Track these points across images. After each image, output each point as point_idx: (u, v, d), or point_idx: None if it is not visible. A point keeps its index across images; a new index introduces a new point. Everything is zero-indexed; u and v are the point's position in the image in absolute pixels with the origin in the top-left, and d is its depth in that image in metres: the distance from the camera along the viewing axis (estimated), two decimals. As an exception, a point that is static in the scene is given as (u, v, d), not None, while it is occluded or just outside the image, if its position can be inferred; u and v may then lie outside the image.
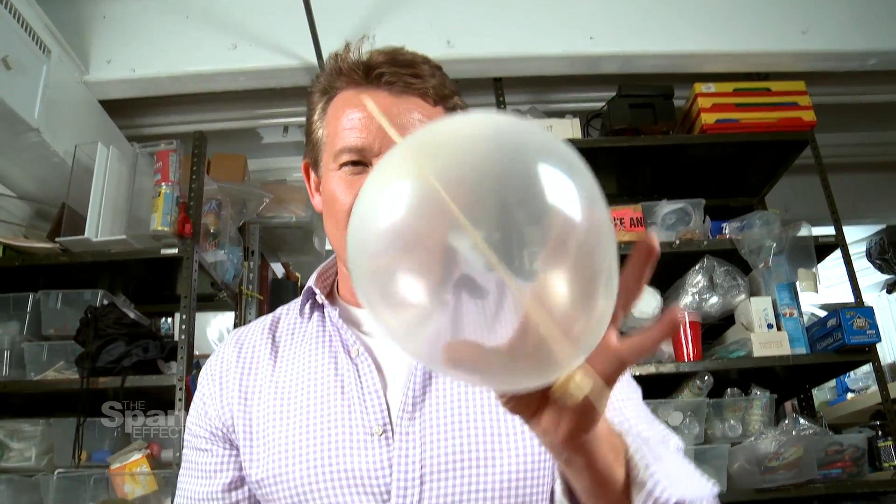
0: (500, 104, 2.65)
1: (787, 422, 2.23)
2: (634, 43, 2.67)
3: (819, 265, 2.49)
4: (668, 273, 2.47)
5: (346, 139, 0.83)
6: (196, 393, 0.93)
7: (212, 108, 2.88)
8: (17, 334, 2.22)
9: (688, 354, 2.29)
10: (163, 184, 2.25)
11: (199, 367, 2.07)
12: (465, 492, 0.77)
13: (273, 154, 3.22)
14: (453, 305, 0.44)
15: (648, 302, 2.34)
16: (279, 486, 0.80)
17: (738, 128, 2.58)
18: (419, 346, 0.47)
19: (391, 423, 0.81)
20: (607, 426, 0.57)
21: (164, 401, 2.09)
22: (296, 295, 1.00)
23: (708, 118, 2.57)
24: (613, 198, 2.71)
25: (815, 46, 2.71)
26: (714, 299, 2.39)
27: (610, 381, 0.48)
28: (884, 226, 4.02)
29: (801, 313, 2.39)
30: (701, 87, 2.61)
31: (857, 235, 4.13)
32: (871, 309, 2.29)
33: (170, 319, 2.87)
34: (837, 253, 2.48)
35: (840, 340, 2.24)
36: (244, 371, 0.90)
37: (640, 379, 1.11)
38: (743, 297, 2.40)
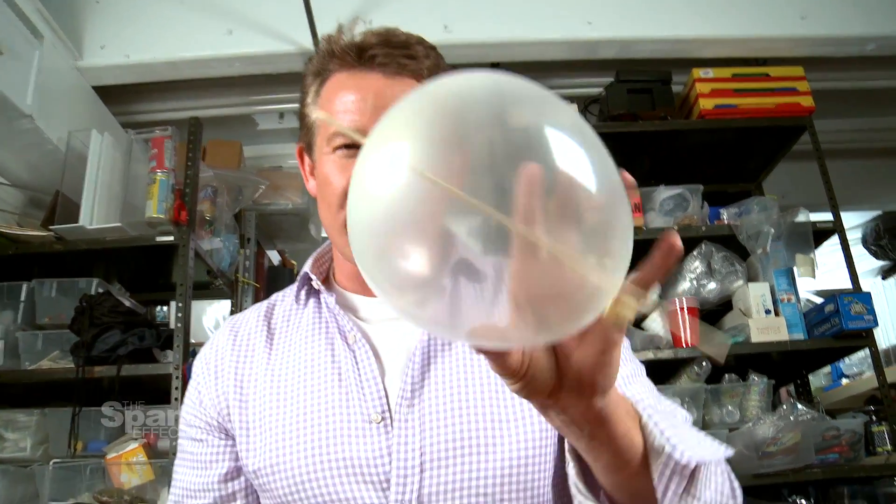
0: (498, 90, 2.63)
1: (784, 407, 2.24)
2: (632, 28, 2.66)
3: (816, 251, 2.49)
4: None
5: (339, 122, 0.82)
6: (190, 382, 0.92)
7: (207, 95, 2.85)
8: (11, 323, 2.21)
9: (686, 340, 2.30)
10: (158, 171, 2.24)
11: (195, 356, 2.05)
12: (466, 479, 0.76)
13: (269, 141, 3.20)
14: (468, 274, 0.43)
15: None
16: (277, 476, 0.79)
17: (737, 113, 2.57)
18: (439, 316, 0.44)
19: (390, 410, 0.80)
20: (618, 394, 0.55)
21: (160, 389, 2.08)
22: (292, 282, 0.98)
23: (706, 104, 2.56)
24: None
25: (814, 32, 2.70)
26: (712, 285, 2.39)
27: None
28: (879, 212, 4.02)
29: (798, 299, 2.39)
30: (699, 73, 2.61)
31: (853, 222, 4.13)
32: (868, 294, 2.29)
33: (165, 308, 2.87)
34: (833, 239, 2.48)
35: (838, 326, 2.24)
36: (239, 359, 0.89)
37: (638, 365, 1.10)
38: (741, 282, 2.40)
